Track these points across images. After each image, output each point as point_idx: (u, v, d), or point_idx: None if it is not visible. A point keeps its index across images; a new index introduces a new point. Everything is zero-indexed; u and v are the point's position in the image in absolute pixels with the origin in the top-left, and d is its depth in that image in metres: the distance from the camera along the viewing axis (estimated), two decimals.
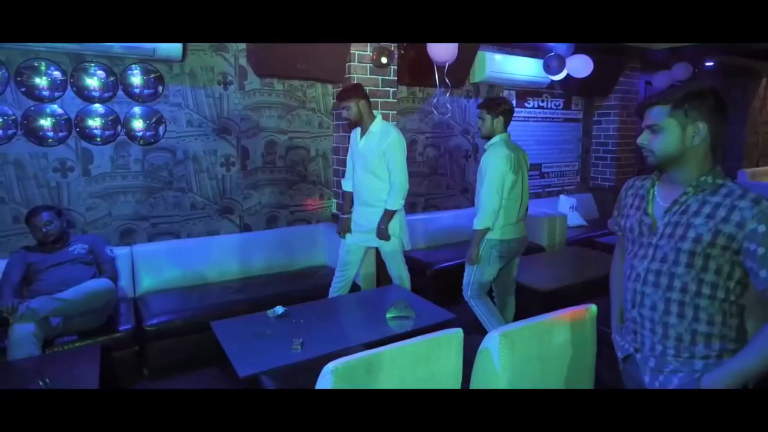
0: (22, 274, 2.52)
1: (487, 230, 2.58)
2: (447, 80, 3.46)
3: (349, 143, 3.00)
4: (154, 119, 3.10)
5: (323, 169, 3.82)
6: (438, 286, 3.46)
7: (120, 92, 2.98)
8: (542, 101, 5.12)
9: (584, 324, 1.65)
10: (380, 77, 3.50)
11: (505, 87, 4.72)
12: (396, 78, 3.60)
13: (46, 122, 2.78)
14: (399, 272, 2.96)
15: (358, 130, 2.83)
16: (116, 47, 2.77)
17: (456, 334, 1.50)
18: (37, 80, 2.74)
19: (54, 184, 2.88)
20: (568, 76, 4.38)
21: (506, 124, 2.66)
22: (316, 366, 1.35)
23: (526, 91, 4.93)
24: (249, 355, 2.06)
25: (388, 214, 2.76)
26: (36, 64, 2.72)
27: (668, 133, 1.20)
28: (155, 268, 3.09)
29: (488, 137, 2.66)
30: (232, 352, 2.09)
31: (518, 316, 2.87)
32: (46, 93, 2.76)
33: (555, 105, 5.24)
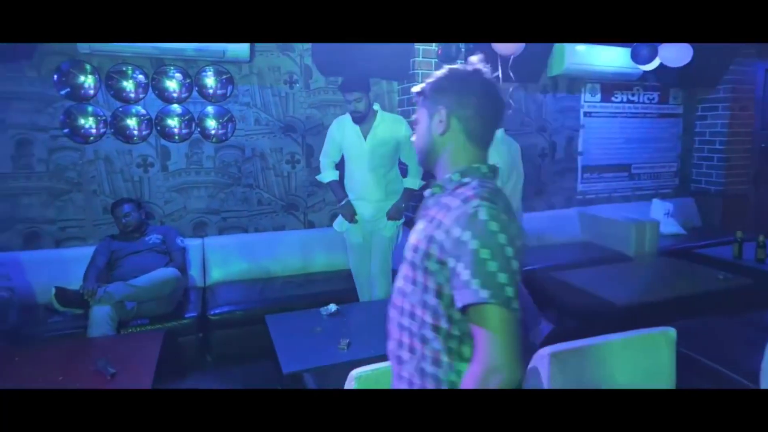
0: (107, 260, 2.77)
1: None
2: (511, 74, 3.22)
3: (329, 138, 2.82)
4: (225, 118, 3.26)
5: None
6: None
7: (194, 93, 3.17)
8: (632, 95, 4.61)
9: (658, 350, 1.40)
10: None
11: (588, 80, 4.32)
12: None
13: (131, 122, 3.04)
14: (385, 266, 2.81)
15: (357, 128, 2.67)
16: (189, 50, 2.94)
17: None
18: (124, 83, 3.00)
19: (137, 178, 3.13)
20: (663, 65, 3.88)
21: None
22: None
23: (614, 84, 4.47)
24: (296, 352, 2.06)
25: (409, 194, 2.79)
26: (123, 69, 2.98)
27: (419, 124, 1.02)
28: (224, 260, 3.24)
29: None
30: (280, 347, 2.11)
31: (585, 333, 2.58)
32: (131, 95, 3.02)
33: (648, 99, 4.70)
